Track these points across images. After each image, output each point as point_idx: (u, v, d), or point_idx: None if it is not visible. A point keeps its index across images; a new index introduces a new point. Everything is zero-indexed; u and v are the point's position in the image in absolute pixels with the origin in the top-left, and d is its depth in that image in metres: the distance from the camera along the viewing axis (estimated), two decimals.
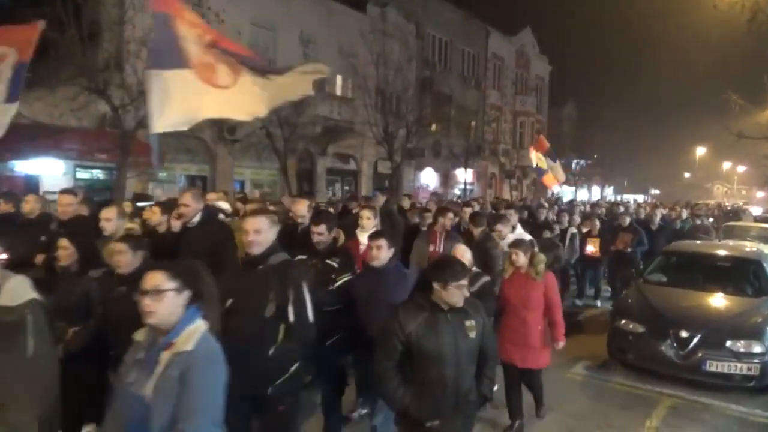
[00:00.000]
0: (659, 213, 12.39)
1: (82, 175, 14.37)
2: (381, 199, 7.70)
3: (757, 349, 6.08)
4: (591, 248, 10.29)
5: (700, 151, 62.11)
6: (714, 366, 6.12)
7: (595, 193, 46.83)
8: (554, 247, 8.68)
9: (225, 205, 7.20)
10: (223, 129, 16.99)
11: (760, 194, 59.05)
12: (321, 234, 4.47)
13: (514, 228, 6.73)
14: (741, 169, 66.43)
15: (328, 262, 4.42)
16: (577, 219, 10.90)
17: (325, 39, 21.22)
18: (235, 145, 17.78)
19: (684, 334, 6.34)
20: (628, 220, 10.67)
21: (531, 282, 4.97)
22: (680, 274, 7.95)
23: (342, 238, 5.17)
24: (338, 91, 22.13)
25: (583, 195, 41.90)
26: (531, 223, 9.97)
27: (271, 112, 17.76)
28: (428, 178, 29.03)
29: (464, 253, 4.69)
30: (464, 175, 28.50)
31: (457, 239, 6.02)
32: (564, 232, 10.01)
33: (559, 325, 5.04)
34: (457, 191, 29.15)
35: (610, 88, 55.37)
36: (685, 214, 14.02)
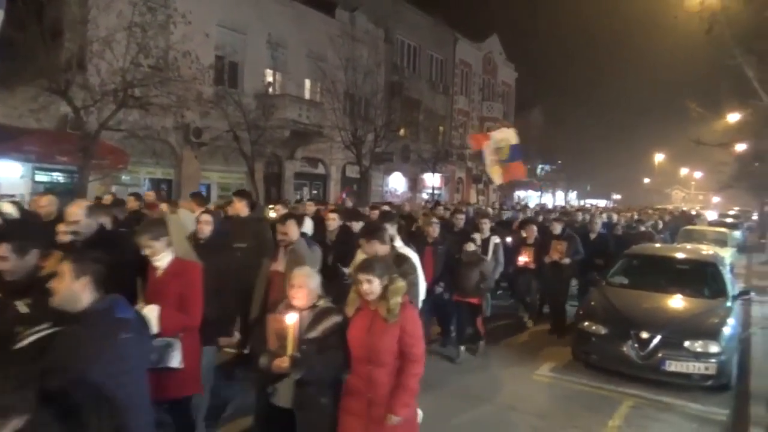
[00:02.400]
0: (599, 220, 11.25)
1: (42, 177, 13.96)
2: (239, 205, 6.23)
3: (713, 349, 6.29)
4: (524, 258, 9.22)
5: (659, 157, 63.98)
6: (673, 366, 6.30)
7: (560, 198, 47.79)
8: (479, 262, 7.52)
9: (8, 209, 6.12)
10: (189, 132, 16.76)
11: (715, 199, 61.14)
12: (3, 258, 3.00)
13: (392, 239, 5.11)
14: (698, 174, 68.66)
15: (16, 304, 2.92)
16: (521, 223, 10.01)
17: (294, 42, 21.16)
18: (201, 149, 17.55)
19: (644, 335, 6.51)
20: (559, 227, 9.35)
21: (380, 323, 3.33)
22: (641, 277, 8.16)
23: (53, 265, 3.13)
24: (307, 95, 22.08)
25: (547, 199, 42.72)
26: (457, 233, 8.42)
27: (238, 116, 17.63)
28: (397, 182, 29.15)
29: (305, 281, 3.47)
30: (432, 180, 28.75)
31: (299, 257, 4.78)
32: (486, 242, 8.49)
33: (407, 389, 3.33)
34: (425, 195, 29.35)
35: (575, 95, 56.84)
36: (616, 217, 13.66)
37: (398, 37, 27.81)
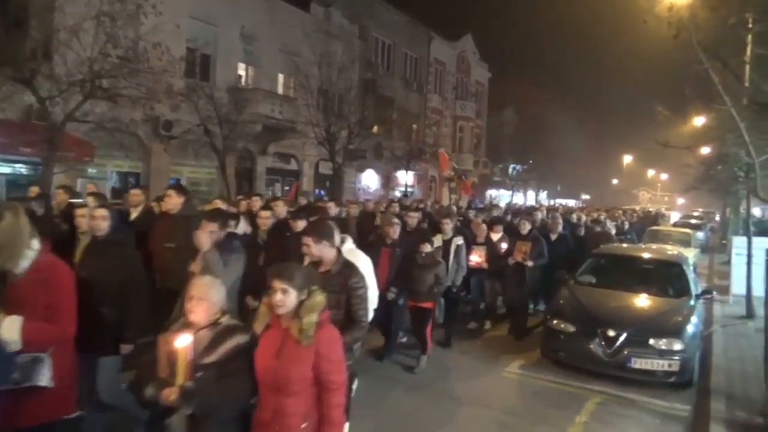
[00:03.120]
0: (561, 221, 10.69)
1: (4, 169, 13.52)
2: (176, 200, 5.75)
3: (677, 346, 6.45)
4: (475, 258, 8.68)
5: (627, 158, 65.43)
6: (638, 363, 6.45)
7: (531, 197, 48.45)
8: (435, 265, 7.02)
9: None
10: (158, 125, 16.43)
11: (680, 201, 62.78)
12: None
13: (343, 241, 4.61)
14: (664, 176, 70.44)
15: None
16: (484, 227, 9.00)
17: (268, 36, 20.94)
18: (171, 142, 17.23)
19: (611, 332, 6.65)
20: (528, 226, 8.98)
21: (292, 346, 2.80)
22: (609, 276, 8.33)
23: None
24: (280, 90, 21.88)
25: (519, 199, 43.26)
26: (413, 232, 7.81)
27: (209, 109, 17.41)
28: (370, 179, 29.14)
29: (205, 292, 2.98)
30: (405, 178, 28.81)
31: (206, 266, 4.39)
32: (448, 243, 7.94)
33: (333, 424, 2.85)
34: (398, 193, 29.40)
35: (546, 96, 57.45)
36: (584, 218, 13.46)
37: (373, 34, 27.76)
